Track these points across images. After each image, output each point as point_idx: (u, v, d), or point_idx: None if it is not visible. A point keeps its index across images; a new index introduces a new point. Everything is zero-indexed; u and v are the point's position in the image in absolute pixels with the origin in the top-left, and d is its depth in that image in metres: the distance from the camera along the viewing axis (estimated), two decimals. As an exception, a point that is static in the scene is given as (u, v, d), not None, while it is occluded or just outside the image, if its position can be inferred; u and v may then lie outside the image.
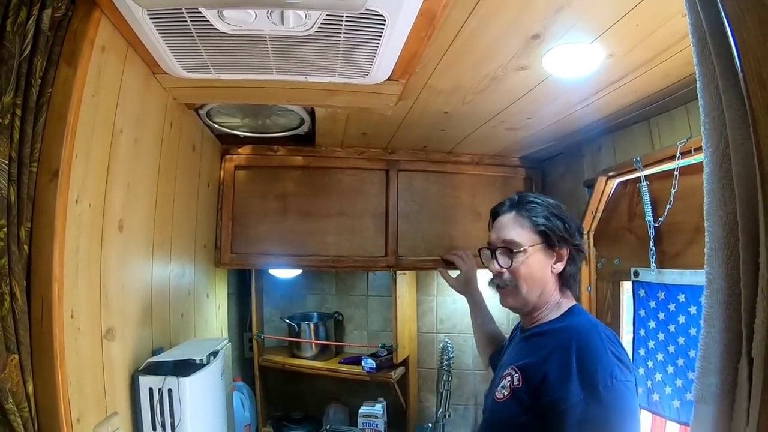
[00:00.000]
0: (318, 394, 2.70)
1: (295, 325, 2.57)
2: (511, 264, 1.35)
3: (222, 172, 2.14)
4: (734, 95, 0.55)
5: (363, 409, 2.41)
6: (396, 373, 2.39)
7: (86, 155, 1.03)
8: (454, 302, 2.66)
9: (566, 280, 1.37)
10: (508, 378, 1.28)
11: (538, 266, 1.35)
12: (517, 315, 1.45)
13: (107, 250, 1.13)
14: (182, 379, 1.25)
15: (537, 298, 1.35)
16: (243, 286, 2.67)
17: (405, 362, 2.48)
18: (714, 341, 0.65)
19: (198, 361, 1.43)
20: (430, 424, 2.45)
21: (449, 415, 1.94)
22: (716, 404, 0.64)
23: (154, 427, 1.25)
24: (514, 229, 1.36)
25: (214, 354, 1.52)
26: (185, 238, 1.73)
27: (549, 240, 1.34)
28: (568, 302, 1.36)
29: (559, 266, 1.35)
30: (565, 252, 1.35)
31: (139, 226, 1.33)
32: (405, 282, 2.44)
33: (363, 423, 2.39)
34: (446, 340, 2.33)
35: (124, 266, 1.24)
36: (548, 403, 1.15)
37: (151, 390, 1.24)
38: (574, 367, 1.14)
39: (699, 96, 0.62)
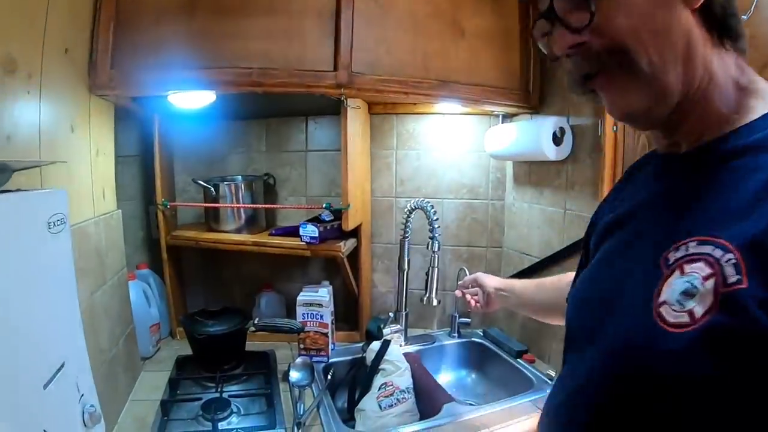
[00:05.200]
0: (246, 280, 2.21)
1: (212, 188, 1.98)
2: (592, 16, 0.59)
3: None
4: None
5: (303, 296, 1.83)
6: (346, 246, 1.87)
7: None
8: (419, 158, 2.16)
9: (722, 22, 0.60)
10: (700, 268, 0.52)
11: (648, 4, 0.59)
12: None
13: None
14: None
15: (682, 74, 0.60)
16: (148, 149, 2.01)
17: (356, 233, 1.97)
18: None
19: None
20: (391, 314, 1.98)
21: (439, 302, 1.70)
22: None
23: None
24: None
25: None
26: (24, 25, 1.07)
27: None
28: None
29: None
30: None
31: None
32: (358, 121, 1.87)
33: (304, 314, 1.82)
34: (421, 199, 1.83)
35: None
36: None
37: None
38: None
39: None
